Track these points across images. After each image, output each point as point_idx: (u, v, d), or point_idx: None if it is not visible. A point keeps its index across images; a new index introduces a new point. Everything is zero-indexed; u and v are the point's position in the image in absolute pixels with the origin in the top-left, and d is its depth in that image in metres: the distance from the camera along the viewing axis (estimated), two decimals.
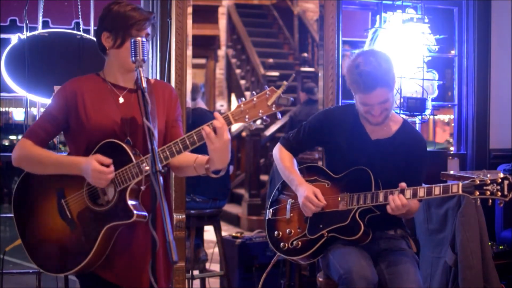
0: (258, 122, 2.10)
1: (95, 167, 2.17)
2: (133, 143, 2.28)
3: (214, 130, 2.09)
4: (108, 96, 2.33)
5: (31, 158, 2.32)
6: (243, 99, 2.07)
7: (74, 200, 2.29)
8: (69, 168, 2.26)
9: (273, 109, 2.04)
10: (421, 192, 2.54)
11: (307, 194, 2.73)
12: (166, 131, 2.39)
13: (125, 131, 2.29)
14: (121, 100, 2.33)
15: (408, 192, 2.55)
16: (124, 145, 2.23)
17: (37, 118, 3.71)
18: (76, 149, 2.34)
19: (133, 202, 2.22)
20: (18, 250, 3.40)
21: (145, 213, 2.23)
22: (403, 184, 2.56)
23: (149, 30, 2.32)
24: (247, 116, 2.05)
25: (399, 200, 2.53)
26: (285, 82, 2.03)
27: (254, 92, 2.07)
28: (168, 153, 2.17)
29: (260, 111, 2.04)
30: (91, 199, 2.26)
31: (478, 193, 2.43)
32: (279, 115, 2.08)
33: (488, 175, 2.43)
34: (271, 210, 2.95)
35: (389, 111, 2.71)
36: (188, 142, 2.15)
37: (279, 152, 2.95)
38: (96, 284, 2.32)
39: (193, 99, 4.63)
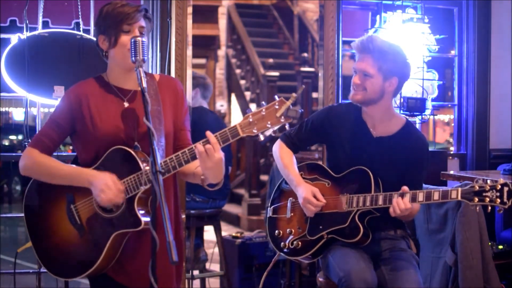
0: (268, 133, 2.06)
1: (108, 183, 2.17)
2: (142, 148, 2.26)
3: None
4: (113, 101, 2.31)
5: (38, 168, 2.31)
6: (252, 109, 2.05)
7: (84, 206, 2.28)
8: (76, 181, 2.25)
9: (282, 120, 2.01)
10: (420, 196, 2.53)
11: (306, 195, 2.73)
12: (175, 133, 2.37)
13: (132, 137, 2.27)
14: (126, 104, 2.31)
15: (408, 196, 2.54)
16: (132, 152, 2.21)
17: (37, 119, 3.72)
18: (85, 156, 2.32)
19: (142, 210, 2.20)
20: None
21: None
22: (405, 188, 2.56)
23: (142, 23, 2.28)
24: (255, 128, 2.03)
25: (403, 204, 2.53)
26: (294, 94, 2.01)
27: (263, 102, 2.04)
28: (176, 162, 2.15)
29: (269, 122, 2.02)
30: (100, 205, 2.24)
31: (477, 199, 2.41)
32: (287, 126, 2.06)
33: (488, 181, 2.42)
34: (271, 208, 2.95)
35: (367, 93, 2.70)
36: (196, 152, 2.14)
37: (279, 149, 2.95)
38: (107, 286, 2.32)
39: (205, 97, 4.62)
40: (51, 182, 2.31)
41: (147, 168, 2.14)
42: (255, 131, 2.03)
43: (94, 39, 3.60)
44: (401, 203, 2.53)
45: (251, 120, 2.03)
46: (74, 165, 2.35)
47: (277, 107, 2.02)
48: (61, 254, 2.32)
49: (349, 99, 2.80)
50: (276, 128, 2.04)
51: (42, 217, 2.36)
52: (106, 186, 2.17)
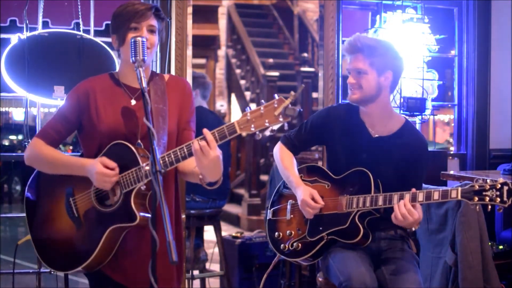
0: (267, 133, 2.06)
1: (99, 169, 2.18)
2: (144, 146, 2.27)
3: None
4: (120, 98, 2.33)
5: (42, 158, 2.34)
6: (251, 107, 2.04)
7: (82, 199, 2.29)
8: (76, 169, 2.28)
9: (280, 119, 2.00)
10: (420, 196, 2.53)
11: (303, 197, 2.73)
12: (178, 133, 2.37)
13: (135, 134, 2.28)
14: (133, 102, 2.33)
15: (408, 196, 2.54)
16: (132, 147, 2.22)
17: (37, 119, 3.72)
18: (89, 150, 2.34)
19: (138, 205, 2.20)
20: (18, 250, 3.40)
21: (150, 216, 2.20)
22: (413, 190, 2.55)
23: (152, 21, 2.30)
24: (253, 126, 2.02)
25: (404, 206, 2.50)
26: (292, 93, 2.00)
27: (262, 101, 2.04)
28: (173, 158, 2.15)
29: (267, 121, 2.01)
30: (98, 199, 2.26)
31: (477, 198, 2.41)
32: (285, 126, 2.06)
33: (488, 180, 2.42)
34: (271, 210, 2.95)
35: (364, 90, 2.71)
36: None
37: (279, 151, 2.95)
38: (105, 285, 2.32)
39: (205, 97, 4.63)
40: (52, 172, 2.34)
41: (147, 168, 2.14)
42: (253, 128, 2.02)
43: (94, 39, 3.63)
44: (402, 206, 2.51)
45: (249, 117, 2.03)
46: (74, 156, 2.37)
47: (275, 105, 2.01)
48: (58, 246, 2.33)
49: (347, 100, 2.80)
50: (274, 127, 2.04)
51: (41, 209, 2.39)
52: (98, 173, 2.18)
